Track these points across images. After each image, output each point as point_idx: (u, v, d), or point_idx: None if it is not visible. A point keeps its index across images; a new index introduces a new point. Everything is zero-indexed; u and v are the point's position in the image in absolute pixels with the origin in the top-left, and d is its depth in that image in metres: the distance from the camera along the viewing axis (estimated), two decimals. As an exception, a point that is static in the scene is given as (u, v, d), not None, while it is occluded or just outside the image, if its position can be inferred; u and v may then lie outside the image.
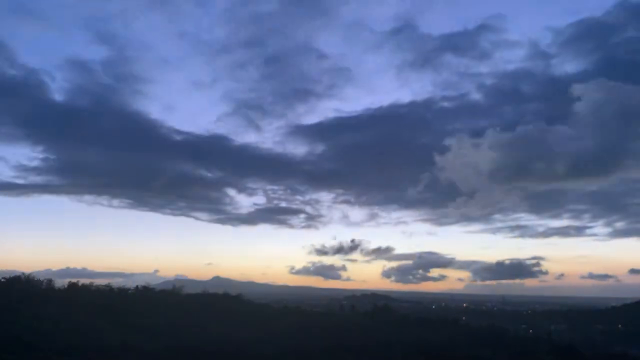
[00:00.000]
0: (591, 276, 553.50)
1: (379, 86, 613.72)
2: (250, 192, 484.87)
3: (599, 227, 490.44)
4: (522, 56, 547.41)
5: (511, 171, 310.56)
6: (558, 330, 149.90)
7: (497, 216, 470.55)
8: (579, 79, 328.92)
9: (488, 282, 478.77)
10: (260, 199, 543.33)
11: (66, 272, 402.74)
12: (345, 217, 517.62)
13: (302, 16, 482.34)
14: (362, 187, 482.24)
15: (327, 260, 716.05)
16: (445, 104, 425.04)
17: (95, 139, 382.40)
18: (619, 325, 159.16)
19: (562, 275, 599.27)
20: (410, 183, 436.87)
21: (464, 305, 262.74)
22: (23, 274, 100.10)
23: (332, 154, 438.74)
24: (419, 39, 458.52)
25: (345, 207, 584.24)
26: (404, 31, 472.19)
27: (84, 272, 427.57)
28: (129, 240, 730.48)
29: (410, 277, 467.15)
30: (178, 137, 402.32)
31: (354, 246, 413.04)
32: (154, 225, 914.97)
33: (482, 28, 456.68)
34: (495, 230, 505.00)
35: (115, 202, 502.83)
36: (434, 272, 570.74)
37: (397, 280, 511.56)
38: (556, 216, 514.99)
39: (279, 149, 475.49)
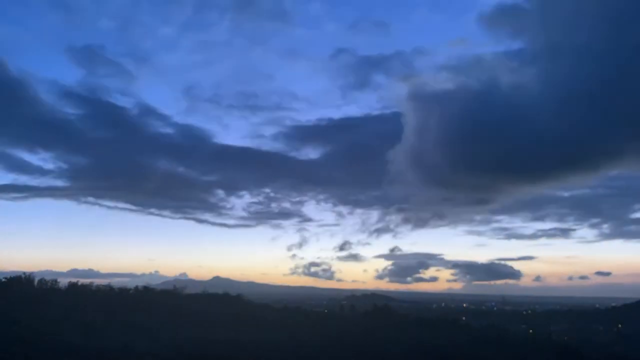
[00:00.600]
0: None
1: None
2: (245, 195, 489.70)
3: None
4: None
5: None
6: (558, 330, 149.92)
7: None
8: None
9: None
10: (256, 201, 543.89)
11: (72, 273, 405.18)
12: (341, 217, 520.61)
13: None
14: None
15: (328, 260, 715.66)
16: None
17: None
18: (619, 325, 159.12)
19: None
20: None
21: (464, 305, 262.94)
22: (24, 273, 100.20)
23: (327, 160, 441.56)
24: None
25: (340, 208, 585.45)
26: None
27: (90, 273, 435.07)
28: (132, 242, 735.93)
29: (409, 277, 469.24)
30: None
31: (353, 246, 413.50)
32: (156, 227, 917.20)
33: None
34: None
35: (120, 204, 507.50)
36: (427, 272, 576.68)
37: (396, 281, 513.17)
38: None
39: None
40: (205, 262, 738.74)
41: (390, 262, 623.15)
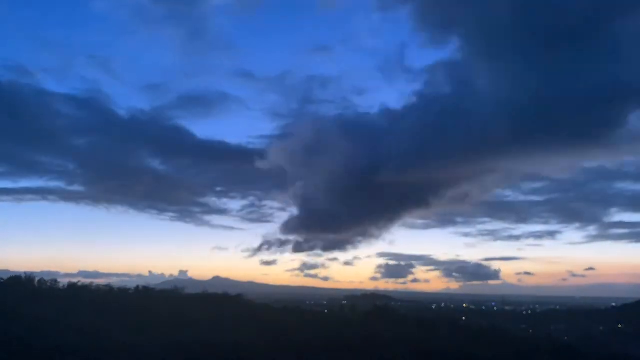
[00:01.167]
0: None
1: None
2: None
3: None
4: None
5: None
6: (558, 330, 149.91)
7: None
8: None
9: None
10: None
11: (79, 274, 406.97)
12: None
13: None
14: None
15: (327, 260, 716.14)
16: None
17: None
18: (619, 325, 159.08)
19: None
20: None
21: (464, 305, 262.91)
22: (25, 273, 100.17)
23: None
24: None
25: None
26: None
27: (97, 275, 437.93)
28: (133, 242, 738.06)
29: (409, 278, 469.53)
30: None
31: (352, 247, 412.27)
32: (156, 227, 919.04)
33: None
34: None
35: (124, 207, 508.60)
36: (417, 273, 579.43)
37: (395, 281, 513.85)
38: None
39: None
40: (205, 262, 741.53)
41: (384, 261, 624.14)
